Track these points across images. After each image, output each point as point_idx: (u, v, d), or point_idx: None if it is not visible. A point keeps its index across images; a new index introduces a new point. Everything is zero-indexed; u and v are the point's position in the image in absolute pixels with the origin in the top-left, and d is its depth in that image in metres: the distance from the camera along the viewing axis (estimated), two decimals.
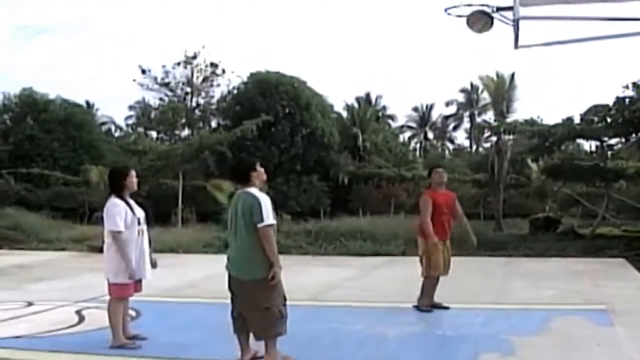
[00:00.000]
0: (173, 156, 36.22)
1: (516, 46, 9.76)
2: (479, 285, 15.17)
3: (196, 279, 16.29)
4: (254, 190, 8.02)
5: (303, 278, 16.49)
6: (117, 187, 9.21)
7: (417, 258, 11.85)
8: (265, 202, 7.90)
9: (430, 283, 11.70)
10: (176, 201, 34.77)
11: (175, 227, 32.36)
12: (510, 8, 9.44)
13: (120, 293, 9.01)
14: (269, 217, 7.84)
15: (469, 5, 9.72)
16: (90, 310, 11.66)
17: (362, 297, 13.13)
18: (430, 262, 11.56)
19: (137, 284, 9.23)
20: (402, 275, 15.37)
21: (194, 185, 39.22)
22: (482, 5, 9.66)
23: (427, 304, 11.56)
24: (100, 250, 21.28)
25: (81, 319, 11.00)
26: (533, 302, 12.53)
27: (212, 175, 39.78)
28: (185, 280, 15.91)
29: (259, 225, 7.79)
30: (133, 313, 11.24)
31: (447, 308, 11.63)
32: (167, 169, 37.28)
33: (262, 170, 8.28)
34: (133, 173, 9.40)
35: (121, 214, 8.92)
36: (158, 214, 40.30)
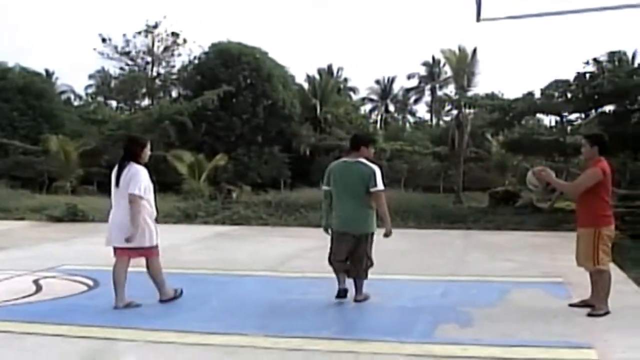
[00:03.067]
0: (133, 125, 36.14)
1: (478, 19, 9.79)
2: (438, 257, 15.28)
3: None
4: (365, 161, 9.77)
5: (263, 249, 16.54)
6: (134, 155, 9.39)
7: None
8: (378, 171, 9.68)
9: None
10: None
11: None
12: None
13: (134, 255, 9.52)
14: (381, 183, 9.70)
15: None
16: (48, 280, 11.59)
17: (322, 267, 13.15)
18: None
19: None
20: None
21: (154, 156, 38.98)
22: None
23: None
24: (58, 220, 21.22)
25: (38, 288, 10.92)
26: (492, 274, 12.63)
27: (173, 146, 39.65)
28: None
29: (373, 190, 9.61)
30: (91, 282, 11.23)
31: None
32: None
33: (372, 150, 10.11)
34: (149, 145, 9.67)
35: (145, 182, 9.27)
36: None
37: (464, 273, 12.89)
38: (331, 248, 10.12)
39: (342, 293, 9.77)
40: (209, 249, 16.63)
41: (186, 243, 17.38)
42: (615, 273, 10.54)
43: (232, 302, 9.90)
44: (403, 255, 14.45)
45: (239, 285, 10.95)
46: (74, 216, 23.58)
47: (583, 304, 9.27)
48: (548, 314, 8.98)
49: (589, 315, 8.90)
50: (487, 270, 13.12)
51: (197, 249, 16.60)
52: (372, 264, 9.96)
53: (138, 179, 9.16)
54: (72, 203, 24.83)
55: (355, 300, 9.80)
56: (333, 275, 9.96)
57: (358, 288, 9.92)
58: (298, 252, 15.49)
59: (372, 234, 9.89)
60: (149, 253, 9.59)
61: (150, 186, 9.47)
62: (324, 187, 10.13)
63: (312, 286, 11.08)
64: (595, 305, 9.08)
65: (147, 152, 9.54)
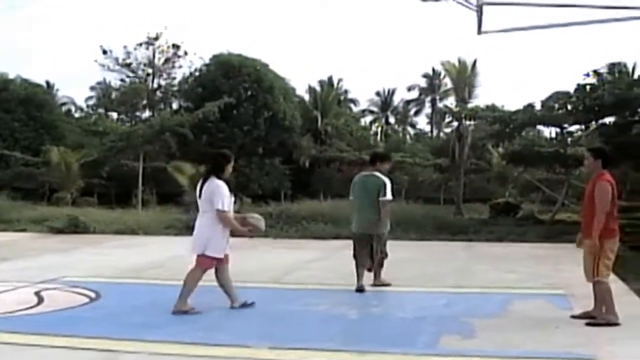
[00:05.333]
0: (134, 137, 36.04)
1: (479, 32, 9.83)
2: (441, 268, 15.26)
3: (158, 260, 16.23)
4: (379, 174, 11.99)
5: (266, 260, 16.52)
6: (220, 169, 9.93)
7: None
8: (388, 183, 11.88)
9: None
10: (137, 182, 34.63)
11: (135, 208, 32.26)
12: None
13: (209, 265, 9.93)
14: (390, 194, 11.87)
15: None
16: (50, 292, 11.59)
17: (324, 279, 13.18)
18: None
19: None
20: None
21: (155, 167, 39.11)
22: None
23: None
24: (59, 231, 21.25)
25: (40, 300, 10.92)
26: (494, 285, 12.63)
27: (174, 157, 39.68)
28: (147, 261, 15.86)
29: (381, 199, 11.81)
30: (92, 294, 11.21)
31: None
32: (128, 150, 37.08)
33: (388, 164, 12.52)
34: (232, 160, 10.26)
35: (227, 196, 9.76)
36: (119, 195, 40.25)
37: (467, 284, 12.90)
38: (354, 247, 12.15)
39: (361, 289, 11.62)
40: None
41: (187, 254, 17.34)
42: (617, 285, 10.58)
43: (235, 313, 9.90)
44: (406, 266, 14.43)
45: (243, 295, 10.96)
46: (75, 227, 23.57)
47: (585, 316, 9.27)
48: (551, 325, 9.00)
49: (588, 324, 8.92)
50: (490, 282, 13.11)
51: None
52: (386, 256, 12.31)
53: (220, 194, 9.66)
54: (73, 215, 24.82)
55: (374, 285, 12.03)
56: (335, 286, 10.00)
57: (377, 275, 12.21)
58: (300, 264, 15.50)
59: (384, 233, 12.18)
60: (202, 260, 9.92)
61: (231, 199, 9.93)
62: (350, 198, 12.47)
63: (315, 297, 11.07)
64: (596, 316, 9.11)
65: (230, 167, 10.10)
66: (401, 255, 14.83)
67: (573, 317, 9.44)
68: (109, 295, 10.65)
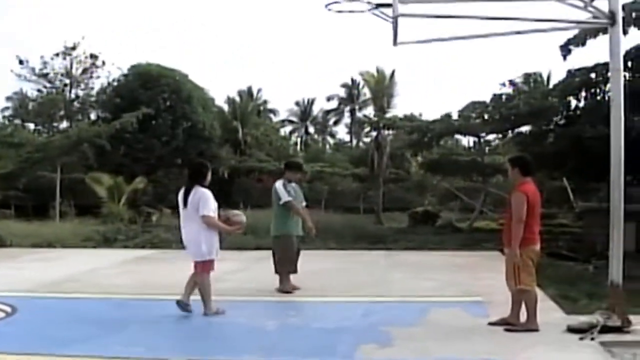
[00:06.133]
0: (50, 148, 35.57)
1: (395, 43, 9.89)
2: (360, 277, 15.31)
3: (75, 273, 15.96)
4: (280, 181, 13.05)
5: (184, 272, 16.39)
6: (202, 178, 10.61)
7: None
8: (277, 187, 12.85)
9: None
10: (54, 194, 34.14)
11: (53, 220, 31.81)
12: (389, 5, 9.54)
13: (210, 266, 10.73)
14: (289, 195, 12.69)
15: (350, 1, 9.79)
16: None
17: (244, 290, 13.14)
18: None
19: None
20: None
21: (73, 178, 38.58)
22: (362, 1, 9.74)
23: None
24: None
25: None
26: (413, 294, 12.73)
27: (92, 168, 39.18)
28: (64, 275, 15.58)
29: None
30: (8, 309, 11.00)
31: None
32: (45, 161, 36.55)
33: (296, 173, 13.46)
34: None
35: (213, 202, 10.45)
36: (37, 207, 39.59)
37: (385, 293, 12.96)
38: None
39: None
40: (129, 272, 16.40)
41: (106, 267, 17.17)
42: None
43: (154, 326, 9.84)
44: (325, 276, 14.46)
45: (161, 308, 10.87)
46: None
47: (502, 322, 9.40)
48: (468, 332, 9.13)
49: (506, 330, 9.07)
50: (409, 290, 13.19)
51: (117, 272, 16.33)
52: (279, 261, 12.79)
53: (207, 201, 10.35)
54: None
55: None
56: (255, 297, 9.99)
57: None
58: (220, 275, 15.39)
59: (276, 236, 12.87)
60: (202, 266, 10.65)
61: (216, 205, 10.54)
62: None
63: (234, 309, 11.01)
64: (513, 322, 9.25)
65: (209, 175, 10.77)
66: (321, 265, 14.89)
67: (490, 324, 9.56)
68: (25, 309, 10.47)
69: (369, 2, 9.78)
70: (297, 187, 13.21)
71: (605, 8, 9.67)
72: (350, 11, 10.01)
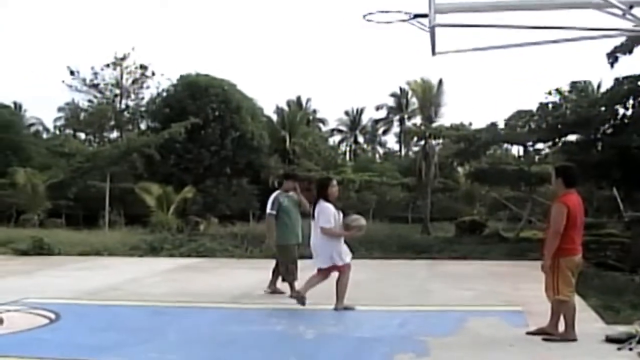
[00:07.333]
0: (100, 158, 35.97)
1: (433, 53, 9.94)
2: (400, 287, 15.31)
3: (119, 281, 16.15)
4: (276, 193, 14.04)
5: (226, 280, 16.53)
6: (324, 193, 11.84)
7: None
8: (270, 199, 13.79)
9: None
10: (104, 203, 34.51)
11: (102, 229, 32.14)
12: (426, 15, 9.55)
13: (339, 269, 11.75)
14: (272, 208, 13.62)
15: (386, 12, 9.82)
16: (10, 314, 11.52)
17: (282, 298, 13.20)
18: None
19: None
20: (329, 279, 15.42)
21: (123, 188, 38.97)
22: (399, 12, 9.76)
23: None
24: (23, 253, 21.15)
25: (0, 322, 10.88)
26: (452, 303, 12.73)
27: (141, 178, 39.56)
28: (108, 283, 15.77)
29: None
30: (53, 316, 11.18)
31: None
32: (95, 171, 37.01)
33: (288, 183, 14.16)
34: (334, 183, 12.37)
35: (331, 214, 11.63)
36: (87, 217, 40.07)
37: (424, 302, 12.96)
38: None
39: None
40: (171, 281, 16.53)
41: (147, 276, 17.33)
42: (576, 302, 10.67)
43: (190, 334, 9.91)
44: (364, 286, 14.45)
45: (199, 316, 10.96)
46: (39, 249, 23.38)
47: (540, 332, 9.37)
48: (505, 343, 9.08)
49: (544, 340, 9.04)
50: (447, 300, 13.19)
51: (158, 281, 16.48)
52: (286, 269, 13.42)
53: (324, 214, 11.59)
54: (38, 236, 24.64)
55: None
56: (293, 306, 10.01)
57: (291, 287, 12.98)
58: (260, 284, 15.47)
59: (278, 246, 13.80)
60: (342, 269, 11.74)
61: (337, 217, 11.72)
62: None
63: (272, 317, 11.10)
64: (551, 332, 9.22)
65: (334, 189, 12.02)
66: (361, 275, 14.87)
67: (529, 333, 9.53)
68: (67, 316, 10.62)
69: (407, 13, 9.81)
70: (293, 196, 13.86)
71: None
72: (387, 22, 10.06)
